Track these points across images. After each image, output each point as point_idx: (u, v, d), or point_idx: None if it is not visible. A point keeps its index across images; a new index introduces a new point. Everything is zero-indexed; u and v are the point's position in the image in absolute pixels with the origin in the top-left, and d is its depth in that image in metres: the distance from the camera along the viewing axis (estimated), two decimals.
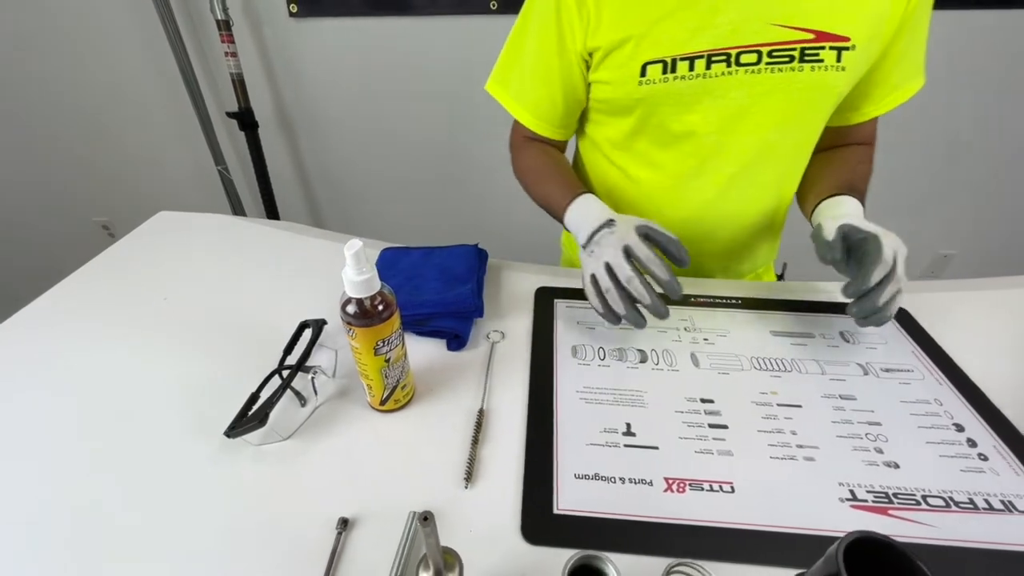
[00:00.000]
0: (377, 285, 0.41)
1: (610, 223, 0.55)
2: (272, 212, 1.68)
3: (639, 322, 0.52)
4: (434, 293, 0.59)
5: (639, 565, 0.36)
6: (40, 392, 0.53)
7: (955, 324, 0.59)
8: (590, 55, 0.60)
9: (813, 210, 0.61)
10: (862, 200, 0.60)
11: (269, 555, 0.39)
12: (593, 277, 0.54)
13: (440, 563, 0.27)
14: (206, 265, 0.72)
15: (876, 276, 0.49)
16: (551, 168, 0.69)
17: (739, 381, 0.53)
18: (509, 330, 0.60)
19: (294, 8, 1.41)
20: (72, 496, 0.43)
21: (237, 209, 1.74)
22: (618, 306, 0.52)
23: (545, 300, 0.64)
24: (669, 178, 0.66)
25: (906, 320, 0.60)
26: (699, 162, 0.64)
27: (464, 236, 0.82)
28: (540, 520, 0.40)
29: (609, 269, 0.53)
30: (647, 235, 0.54)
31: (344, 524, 0.40)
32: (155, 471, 0.45)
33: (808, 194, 0.66)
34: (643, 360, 0.55)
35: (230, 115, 1.47)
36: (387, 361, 0.44)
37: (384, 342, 0.43)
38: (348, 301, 0.41)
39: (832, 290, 0.65)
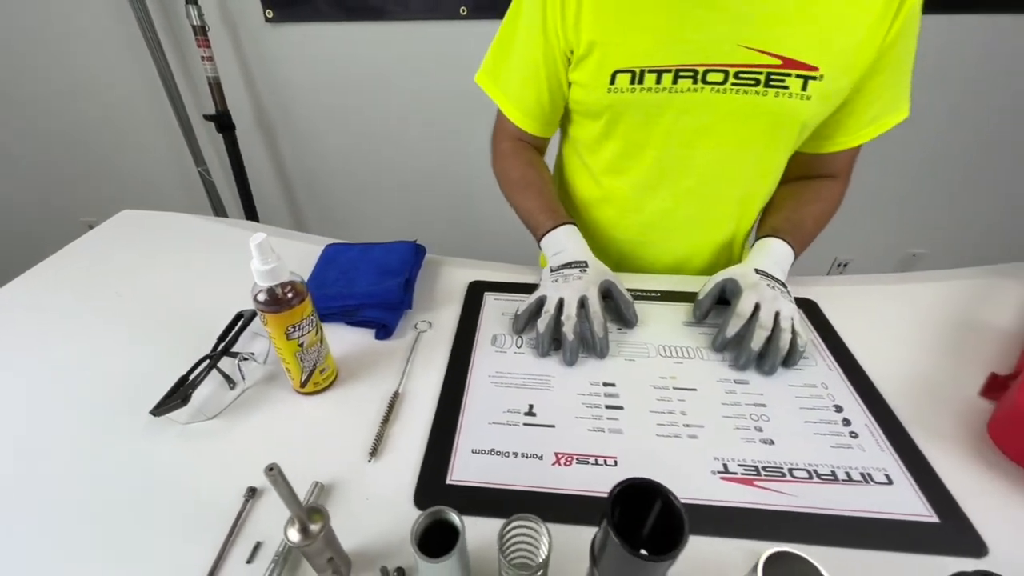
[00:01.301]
0: (285, 274, 0.45)
1: (583, 266, 0.59)
2: (251, 213, 1.72)
3: (543, 350, 0.56)
4: (366, 286, 0.63)
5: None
6: None
7: (856, 315, 0.62)
8: (571, 52, 0.60)
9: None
10: (799, 240, 0.62)
11: (180, 519, 0.42)
12: (541, 299, 0.58)
13: (302, 514, 0.31)
14: (162, 261, 0.76)
15: (731, 329, 0.55)
16: (536, 184, 0.70)
17: (642, 367, 0.56)
18: (438, 320, 0.63)
19: (270, 14, 1.45)
20: (3, 468, 0.47)
21: (219, 210, 1.78)
22: (541, 330, 0.56)
23: (476, 293, 0.67)
24: (631, 186, 0.69)
25: (811, 311, 0.63)
26: (660, 173, 0.66)
27: (441, 235, 0.86)
28: (432, 489, 0.44)
29: (560, 305, 0.56)
30: (608, 290, 0.59)
31: (252, 493, 0.43)
32: (85, 447, 0.49)
33: (760, 227, 0.68)
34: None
35: (207, 118, 1.51)
36: (300, 345, 0.48)
37: (295, 327, 0.47)
38: (259, 290, 0.45)
39: None
